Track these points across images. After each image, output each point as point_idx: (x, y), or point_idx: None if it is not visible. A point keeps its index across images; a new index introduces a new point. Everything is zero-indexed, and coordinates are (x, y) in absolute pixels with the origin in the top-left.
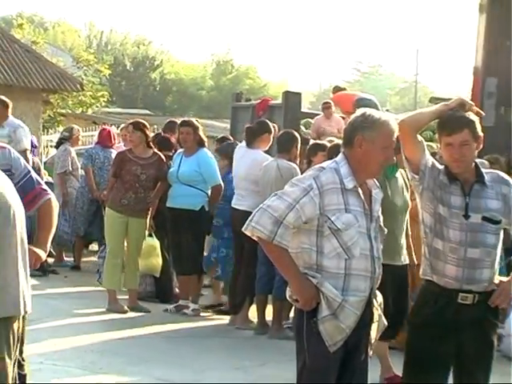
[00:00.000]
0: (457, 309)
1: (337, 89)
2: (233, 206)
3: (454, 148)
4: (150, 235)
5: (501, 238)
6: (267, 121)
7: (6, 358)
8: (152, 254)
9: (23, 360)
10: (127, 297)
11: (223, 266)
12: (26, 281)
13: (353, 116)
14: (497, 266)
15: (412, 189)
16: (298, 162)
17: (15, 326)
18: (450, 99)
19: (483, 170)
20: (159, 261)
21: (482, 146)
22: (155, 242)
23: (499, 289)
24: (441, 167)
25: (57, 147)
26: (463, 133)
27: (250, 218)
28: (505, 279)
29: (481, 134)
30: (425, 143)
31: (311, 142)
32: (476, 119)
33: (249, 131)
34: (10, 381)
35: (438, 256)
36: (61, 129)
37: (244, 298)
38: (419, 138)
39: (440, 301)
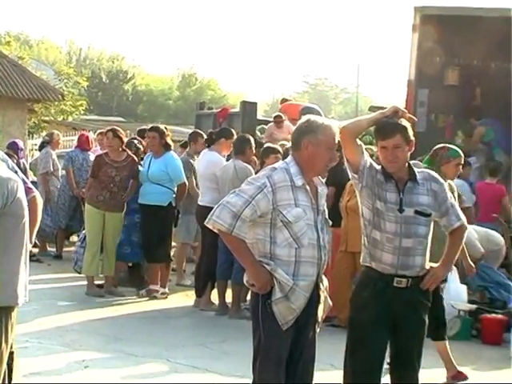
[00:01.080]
0: (393, 291)
1: (284, 100)
2: (198, 202)
3: (387, 151)
4: None
5: (431, 229)
6: (229, 128)
7: (3, 343)
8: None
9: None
10: (103, 282)
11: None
12: (26, 275)
13: (298, 122)
14: (428, 254)
15: (354, 187)
16: (255, 163)
17: (14, 314)
18: (386, 108)
19: (416, 170)
20: None
21: (413, 149)
22: None
23: (430, 274)
24: (378, 167)
25: (40, 150)
26: (395, 137)
27: (211, 213)
28: (435, 265)
29: (412, 138)
30: (363, 146)
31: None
32: (408, 125)
33: (209, 136)
34: (4, 365)
35: (376, 245)
36: (44, 134)
37: (206, 283)
38: (358, 142)
39: (378, 284)
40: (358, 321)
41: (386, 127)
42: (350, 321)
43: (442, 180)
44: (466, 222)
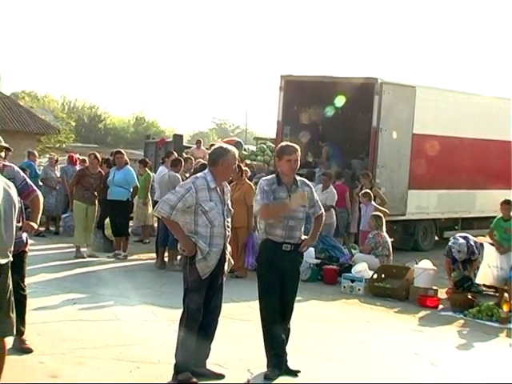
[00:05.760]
0: (282, 254)
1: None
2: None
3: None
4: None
5: (305, 215)
6: (172, 152)
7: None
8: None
9: (25, 286)
10: (86, 249)
11: None
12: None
13: (214, 148)
14: (303, 230)
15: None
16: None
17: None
18: (266, 139)
19: (297, 178)
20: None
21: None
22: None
23: (304, 242)
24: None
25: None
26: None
27: (156, 206)
28: (306, 237)
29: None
30: None
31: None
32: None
33: (162, 158)
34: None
35: (272, 225)
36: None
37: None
38: None
39: (273, 248)
40: (262, 273)
41: (289, 147)
42: (258, 274)
43: (311, 184)
44: (324, 212)
